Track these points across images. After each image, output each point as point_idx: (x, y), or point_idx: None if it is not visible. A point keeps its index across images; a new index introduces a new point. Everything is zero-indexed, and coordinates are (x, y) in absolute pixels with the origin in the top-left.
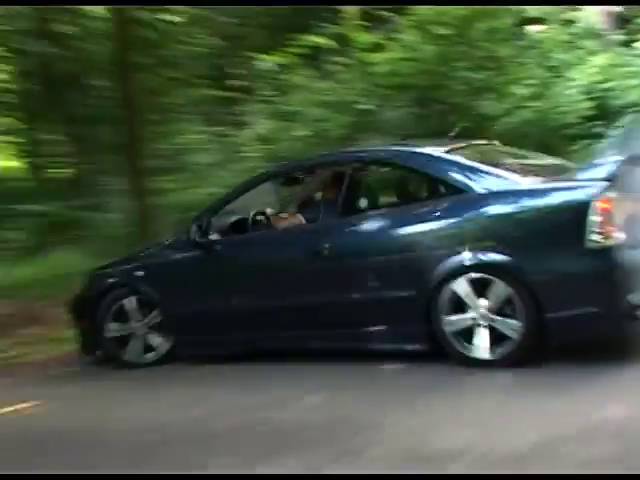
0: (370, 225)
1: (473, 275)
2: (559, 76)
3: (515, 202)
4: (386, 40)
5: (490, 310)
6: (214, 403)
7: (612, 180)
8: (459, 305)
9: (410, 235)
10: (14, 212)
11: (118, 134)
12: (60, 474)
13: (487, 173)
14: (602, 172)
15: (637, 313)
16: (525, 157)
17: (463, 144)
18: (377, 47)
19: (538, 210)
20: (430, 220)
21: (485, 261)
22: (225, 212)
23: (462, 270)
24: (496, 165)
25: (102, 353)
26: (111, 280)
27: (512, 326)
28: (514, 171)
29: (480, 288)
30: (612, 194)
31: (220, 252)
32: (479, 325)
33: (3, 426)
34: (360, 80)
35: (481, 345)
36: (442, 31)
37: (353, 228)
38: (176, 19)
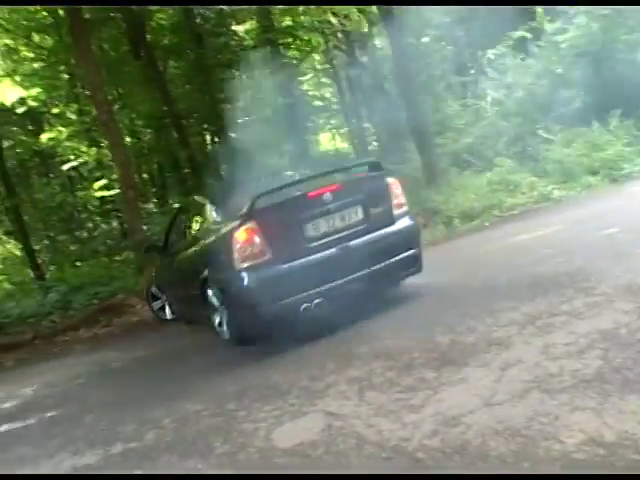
0: (184, 248)
1: (210, 286)
2: None
3: (213, 234)
4: (566, 25)
5: (221, 308)
6: None
7: (249, 214)
8: (213, 304)
9: (191, 254)
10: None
11: (407, 114)
12: (61, 474)
13: (216, 211)
14: (243, 209)
15: (298, 313)
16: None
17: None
18: (560, 31)
19: (219, 240)
20: (194, 246)
21: (207, 276)
22: None
23: (204, 281)
24: (229, 201)
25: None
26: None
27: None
28: (234, 206)
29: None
30: (247, 226)
31: (167, 257)
32: (222, 317)
33: None
34: (552, 55)
35: (224, 332)
36: (604, 12)
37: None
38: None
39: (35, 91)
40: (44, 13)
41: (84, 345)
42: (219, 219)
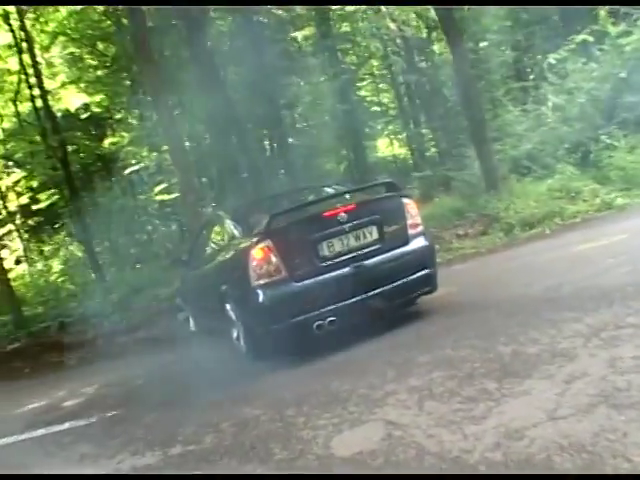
0: (206, 263)
1: (227, 301)
2: None
3: (231, 250)
4: (630, 27)
5: (237, 324)
6: None
7: (265, 233)
8: (231, 318)
9: (211, 270)
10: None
11: (465, 121)
12: (61, 474)
13: (235, 227)
14: (259, 227)
15: (311, 331)
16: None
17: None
18: (625, 33)
19: (235, 256)
20: (214, 261)
21: (225, 291)
22: None
23: (223, 296)
24: (249, 218)
25: None
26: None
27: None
28: (252, 225)
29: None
30: (263, 245)
31: (189, 273)
32: (239, 331)
33: None
34: (615, 58)
35: (241, 346)
36: None
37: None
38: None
39: (98, 97)
40: (108, 22)
41: (143, 346)
42: (238, 235)
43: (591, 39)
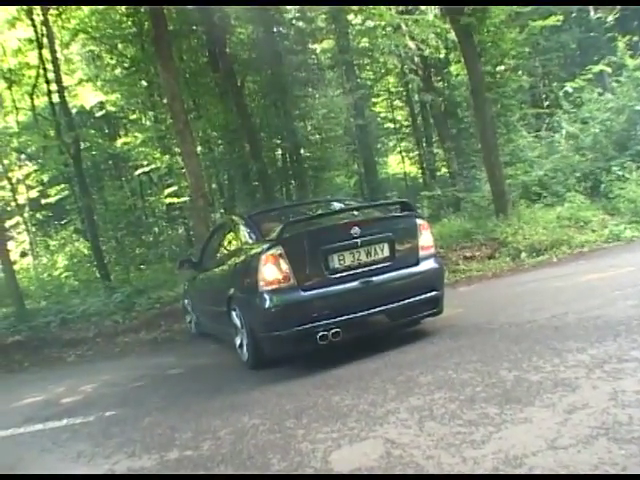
0: (216, 265)
1: (234, 306)
2: None
3: (242, 254)
4: None
5: (242, 330)
6: None
7: (278, 240)
8: (235, 324)
9: (221, 272)
10: (421, 196)
11: (478, 142)
12: (61, 474)
13: (249, 232)
14: (276, 233)
15: (314, 340)
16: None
17: (288, 205)
18: None
19: (245, 262)
20: (225, 264)
21: (232, 295)
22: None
23: (230, 300)
24: (263, 227)
25: None
26: (184, 288)
27: (245, 341)
28: (268, 233)
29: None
30: (274, 251)
31: (201, 274)
32: (242, 338)
33: None
34: (632, 90)
35: (242, 353)
36: None
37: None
38: (503, 67)
39: (114, 97)
40: (129, 23)
41: (144, 348)
42: (251, 240)
43: (609, 70)
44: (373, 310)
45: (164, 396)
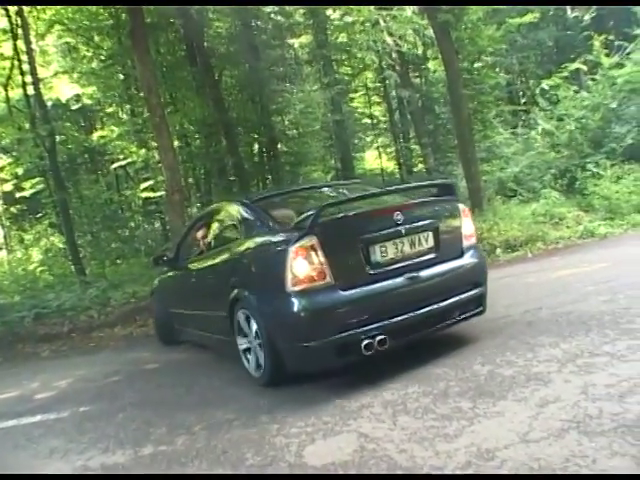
0: (205, 263)
1: (242, 310)
2: None
3: (255, 248)
4: (622, 60)
5: (254, 339)
6: None
7: (311, 228)
8: (243, 331)
9: (214, 269)
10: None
11: (455, 139)
12: (63, 474)
13: (256, 221)
14: (306, 220)
15: (358, 350)
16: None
17: (292, 189)
18: (617, 65)
19: (263, 256)
20: (220, 259)
21: (240, 297)
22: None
23: (234, 303)
24: (274, 214)
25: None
26: (152, 287)
27: (261, 354)
28: (282, 220)
29: (249, 320)
30: (307, 242)
31: (177, 273)
32: (252, 349)
33: None
34: (607, 88)
35: (250, 366)
36: None
37: (202, 264)
38: (480, 64)
39: (90, 89)
40: (106, 15)
41: (120, 342)
42: (262, 230)
43: (584, 68)
44: (421, 311)
45: (139, 391)
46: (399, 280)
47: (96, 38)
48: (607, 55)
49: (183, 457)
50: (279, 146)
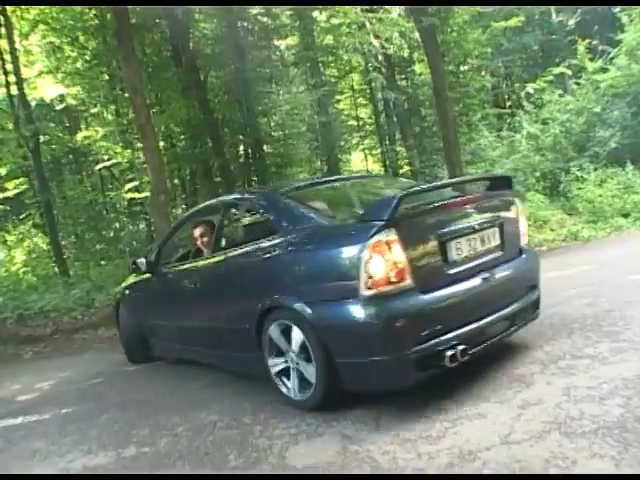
0: (218, 265)
1: (279, 321)
2: None
3: (305, 246)
4: (606, 65)
5: (296, 355)
6: None
7: (390, 220)
8: (277, 348)
9: (229, 273)
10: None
11: (440, 141)
12: (61, 474)
13: (299, 215)
14: (382, 212)
15: (441, 362)
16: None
17: (322, 180)
18: (601, 70)
19: (322, 255)
20: (243, 261)
21: (283, 306)
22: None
23: (265, 314)
24: (313, 208)
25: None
26: (118, 296)
27: (310, 371)
28: (326, 213)
29: (288, 333)
30: (389, 236)
31: (159, 278)
32: (292, 368)
33: None
34: (591, 93)
35: (292, 387)
36: None
37: (209, 267)
38: (466, 67)
39: (75, 90)
40: (91, 15)
41: (103, 344)
42: (312, 224)
43: (569, 72)
44: (495, 315)
45: (122, 393)
46: (476, 281)
47: (81, 38)
48: (591, 60)
49: (166, 458)
50: (265, 147)
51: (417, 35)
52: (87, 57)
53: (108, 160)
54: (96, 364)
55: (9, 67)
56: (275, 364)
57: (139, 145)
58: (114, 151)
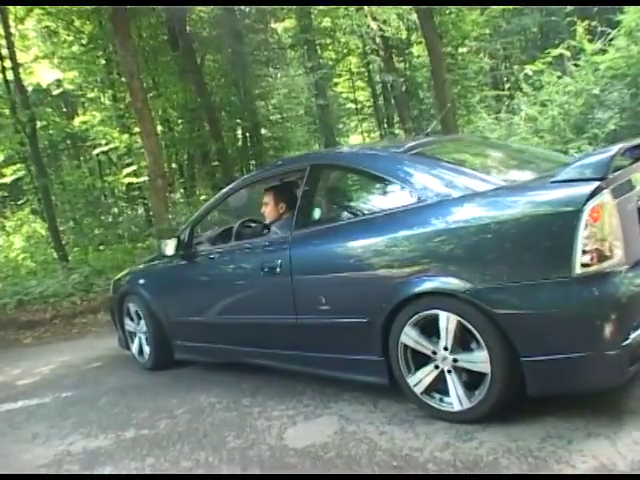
0: (318, 241)
1: (421, 313)
2: None
3: (476, 212)
4: (605, 46)
5: (449, 350)
6: None
7: (606, 179)
8: (417, 357)
9: (357, 253)
10: None
11: (438, 124)
12: (61, 474)
13: (448, 175)
14: (594, 169)
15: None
16: (509, 152)
17: (429, 140)
18: (600, 51)
19: (504, 222)
20: (375, 235)
21: (437, 288)
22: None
23: (416, 300)
24: (463, 165)
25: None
26: (122, 288)
27: (480, 358)
28: (485, 172)
29: (430, 326)
30: (607, 199)
31: (198, 263)
32: (447, 371)
33: None
34: (590, 74)
35: (455, 398)
36: None
37: (301, 244)
38: (464, 49)
39: (72, 74)
40: None
41: (102, 329)
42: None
43: (568, 54)
44: None
45: (122, 377)
46: None
47: (77, 22)
48: (590, 41)
49: (165, 441)
50: (263, 131)
51: (415, 16)
52: (83, 41)
53: (106, 145)
54: (95, 348)
55: (5, 52)
56: (419, 379)
57: (136, 129)
58: (111, 136)
